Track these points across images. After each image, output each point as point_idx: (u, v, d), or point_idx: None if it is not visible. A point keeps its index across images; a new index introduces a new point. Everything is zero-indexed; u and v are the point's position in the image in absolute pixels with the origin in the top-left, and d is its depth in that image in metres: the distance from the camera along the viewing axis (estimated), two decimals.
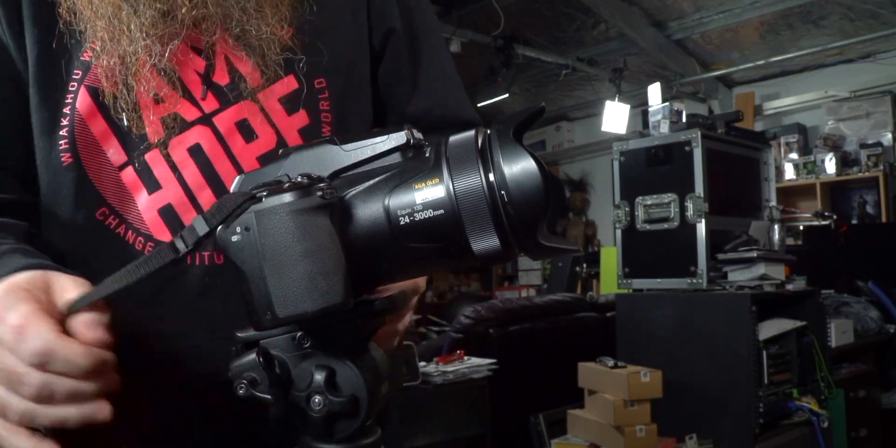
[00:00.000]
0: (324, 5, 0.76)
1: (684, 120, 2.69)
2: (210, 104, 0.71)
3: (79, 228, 0.71)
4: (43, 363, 0.48)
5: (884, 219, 5.05)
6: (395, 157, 0.52)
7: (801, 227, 4.21)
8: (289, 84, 0.73)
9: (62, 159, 0.70)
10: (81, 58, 0.70)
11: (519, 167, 0.47)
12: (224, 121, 0.71)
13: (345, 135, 0.54)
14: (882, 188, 5.05)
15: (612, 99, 5.82)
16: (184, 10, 0.67)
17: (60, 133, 0.70)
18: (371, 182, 0.50)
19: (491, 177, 0.47)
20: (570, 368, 2.51)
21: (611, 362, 2.36)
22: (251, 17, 0.69)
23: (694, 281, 2.45)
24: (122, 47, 0.67)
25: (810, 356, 2.59)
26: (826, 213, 3.94)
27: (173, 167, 0.70)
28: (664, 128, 2.67)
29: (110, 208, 0.71)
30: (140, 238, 0.71)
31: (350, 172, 0.53)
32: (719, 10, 5.00)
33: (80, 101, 0.69)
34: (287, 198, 0.47)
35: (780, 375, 2.47)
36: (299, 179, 0.49)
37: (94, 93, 0.69)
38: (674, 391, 2.34)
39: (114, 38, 0.67)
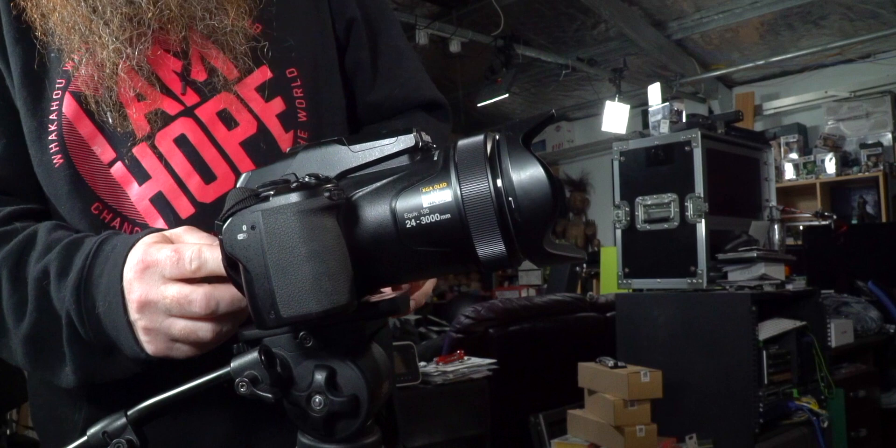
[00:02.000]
0: (286, 0, 0.81)
1: (684, 120, 2.69)
2: (191, 98, 0.75)
3: (77, 224, 0.75)
4: (199, 267, 0.57)
5: (884, 219, 5.06)
6: (403, 160, 0.52)
7: (801, 227, 4.21)
8: (262, 74, 0.78)
9: (54, 161, 0.74)
10: (63, 68, 0.74)
11: (527, 174, 0.47)
12: (206, 112, 0.75)
13: (353, 135, 0.54)
14: (882, 188, 5.06)
15: (612, 99, 5.83)
16: (149, 15, 0.71)
17: (50, 137, 0.74)
18: (378, 184, 0.50)
19: (499, 182, 0.47)
20: (570, 368, 2.51)
21: (611, 362, 2.36)
22: (214, 14, 0.73)
23: (694, 281, 2.45)
24: (98, 55, 0.71)
25: (810, 356, 2.59)
26: (826, 213, 3.93)
27: (161, 158, 0.74)
28: (664, 128, 2.67)
29: (103, 203, 0.75)
30: (137, 228, 0.74)
31: (357, 173, 0.53)
32: (719, 10, 5.00)
33: (66, 106, 0.73)
34: (294, 198, 0.47)
35: (780, 375, 2.47)
36: (307, 179, 0.49)
37: (79, 97, 0.73)
38: (674, 391, 2.34)
39: (91, 48, 0.71)
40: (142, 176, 0.74)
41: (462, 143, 0.50)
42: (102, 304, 0.61)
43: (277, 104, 0.78)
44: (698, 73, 5.80)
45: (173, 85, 0.75)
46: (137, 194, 0.74)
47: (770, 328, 2.48)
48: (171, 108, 0.74)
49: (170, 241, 0.61)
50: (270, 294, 0.47)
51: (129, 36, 0.71)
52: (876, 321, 3.26)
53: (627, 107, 5.89)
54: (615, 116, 5.82)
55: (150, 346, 0.60)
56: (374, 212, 0.49)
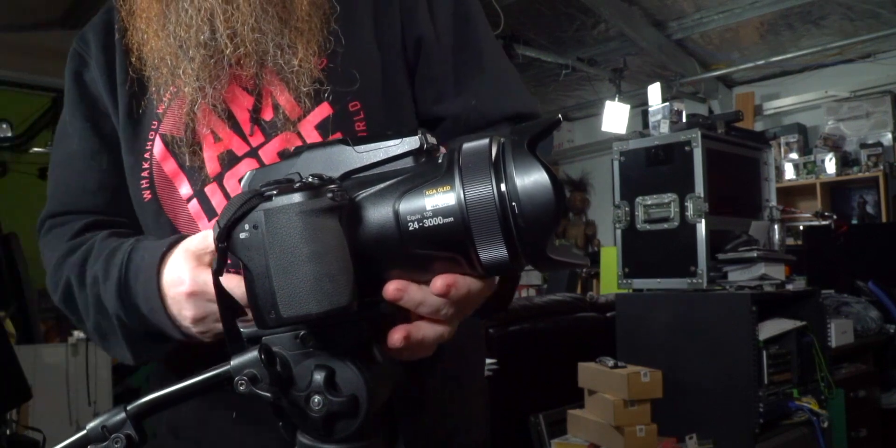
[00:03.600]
0: (353, 34, 0.82)
1: (684, 120, 2.69)
2: (257, 139, 0.80)
3: None
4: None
5: (884, 219, 5.06)
6: (408, 162, 0.52)
7: (801, 227, 4.21)
8: (322, 111, 0.80)
9: (143, 196, 0.83)
10: (157, 111, 0.82)
11: (531, 179, 0.47)
12: (268, 152, 0.80)
13: (358, 136, 0.55)
14: (882, 188, 5.06)
15: (612, 99, 5.82)
16: (228, 51, 0.76)
17: (142, 174, 0.83)
18: (382, 185, 0.50)
19: (503, 187, 0.47)
20: (570, 368, 2.50)
21: (611, 362, 2.36)
22: (284, 52, 0.77)
23: (694, 281, 2.45)
24: (181, 91, 0.78)
25: (810, 356, 2.59)
26: (826, 213, 3.94)
27: (227, 196, 0.80)
28: (664, 128, 2.66)
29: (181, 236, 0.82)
30: None
31: (361, 174, 0.52)
32: (719, 10, 5.00)
33: (156, 148, 0.82)
34: (297, 198, 0.47)
35: (780, 375, 2.47)
36: (310, 179, 0.49)
37: (165, 138, 0.81)
38: (674, 391, 2.34)
39: (178, 88, 0.78)
40: (211, 213, 0.80)
41: (467, 146, 0.49)
42: (145, 307, 0.70)
43: None
44: (698, 73, 5.79)
45: (244, 124, 0.80)
46: (209, 230, 0.81)
47: (770, 328, 2.47)
48: (239, 148, 0.80)
49: (194, 258, 0.67)
50: (271, 293, 0.47)
51: (209, 74, 0.77)
52: (876, 321, 3.26)
53: (627, 107, 5.89)
54: (615, 116, 5.82)
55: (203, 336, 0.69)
56: (377, 213, 0.49)
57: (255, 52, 0.77)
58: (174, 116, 0.80)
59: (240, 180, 0.78)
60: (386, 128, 0.81)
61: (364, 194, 0.50)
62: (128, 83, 0.83)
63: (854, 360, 3.15)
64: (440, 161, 0.50)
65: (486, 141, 0.49)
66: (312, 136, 0.80)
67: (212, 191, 0.80)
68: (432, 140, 0.53)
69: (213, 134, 0.80)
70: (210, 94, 0.77)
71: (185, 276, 0.66)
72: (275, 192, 0.47)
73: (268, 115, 0.80)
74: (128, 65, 0.81)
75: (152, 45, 0.78)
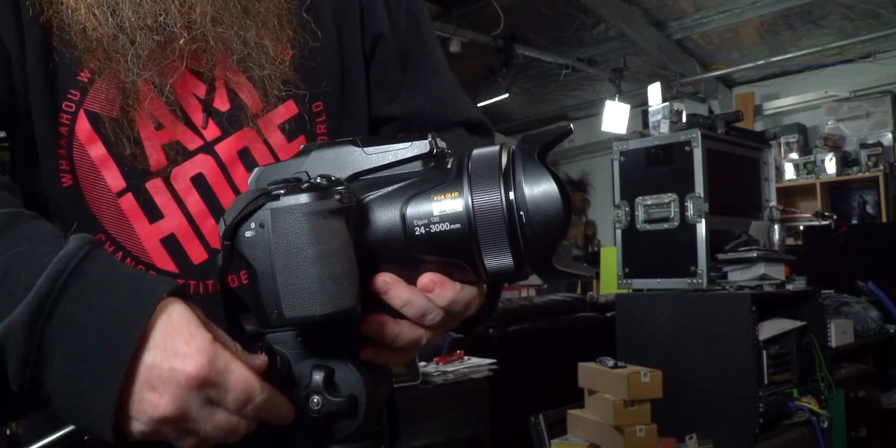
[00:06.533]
0: (320, 24, 0.75)
1: (684, 120, 2.69)
2: (211, 132, 0.70)
3: None
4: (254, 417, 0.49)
5: (884, 219, 5.06)
6: (416, 165, 0.51)
7: (801, 227, 4.21)
8: (288, 109, 0.73)
9: (62, 180, 0.68)
10: (78, 77, 0.67)
11: (540, 189, 0.46)
12: (226, 150, 0.70)
13: (368, 137, 0.54)
14: (882, 188, 5.06)
15: (612, 99, 5.82)
16: (181, 42, 0.65)
17: (59, 152, 0.68)
18: (390, 188, 0.50)
19: (511, 195, 0.47)
20: (570, 368, 2.51)
21: (611, 362, 2.36)
22: (252, 50, 0.68)
23: (694, 281, 2.45)
24: (119, 77, 0.65)
25: (810, 356, 2.59)
26: (826, 213, 3.94)
27: (176, 196, 0.69)
28: (664, 128, 2.66)
29: (107, 234, 0.69)
30: (140, 266, 0.69)
31: (369, 176, 0.52)
32: (719, 10, 5.00)
33: (80, 125, 0.68)
34: (304, 198, 0.46)
35: (780, 375, 2.47)
36: (318, 180, 0.49)
37: (93, 118, 0.67)
38: (674, 391, 2.34)
39: (113, 65, 0.65)
40: (154, 214, 0.69)
41: (476, 152, 0.49)
42: (65, 365, 0.45)
43: (300, 144, 0.72)
44: (698, 73, 5.79)
45: (194, 114, 0.69)
46: (148, 232, 0.69)
47: (770, 328, 2.47)
48: (191, 141, 0.69)
49: (206, 325, 0.48)
50: (275, 293, 0.47)
51: (160, 66, 0.65)
52: (876, 321, 3.26)
53: (627, 107, 5.89)
54: (615, 116, 5.82)
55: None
56: (384, 216, 0.49)
57: (215, 47, 0.66)
58: (104, 92, 0.66)
59: (191, 179, 0.68)
60: (343, 130, 0.76)
61: (371, 197, 0.50)
62: (51, 51, 0.65)
63: (854, 360, 3.15)
64: (449, 166, 0.50)
65: (497, 148, 0.49)
66: (275, 138, 0.72)
67: (155, 187, 0.68)
68: (442, 144, 0.52)
69: (154, 119, 0.67)
70: (158, 85, 0.66)
71: (194, 350, 0.46)
72: (282, 191, 0.47)
73: (223, 105, 0.70)
74: (50, 41, 0.65)
75: (83, 27, 0.64)
